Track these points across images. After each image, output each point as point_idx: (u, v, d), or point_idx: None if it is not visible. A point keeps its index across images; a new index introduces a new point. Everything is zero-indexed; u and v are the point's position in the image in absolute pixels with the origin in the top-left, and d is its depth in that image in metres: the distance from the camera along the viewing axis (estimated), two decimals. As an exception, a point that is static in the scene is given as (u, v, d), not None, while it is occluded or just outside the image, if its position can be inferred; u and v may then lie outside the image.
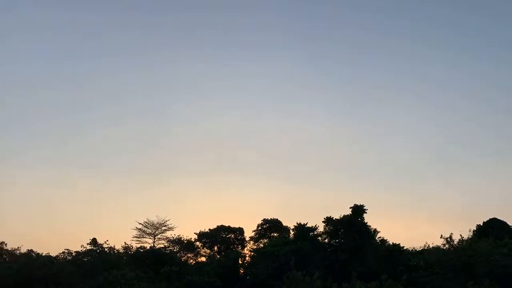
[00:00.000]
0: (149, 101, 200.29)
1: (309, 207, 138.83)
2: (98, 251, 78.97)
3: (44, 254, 77.51)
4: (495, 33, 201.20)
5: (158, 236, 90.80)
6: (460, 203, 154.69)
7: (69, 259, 77.14)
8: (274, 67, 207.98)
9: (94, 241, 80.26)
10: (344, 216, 75.94)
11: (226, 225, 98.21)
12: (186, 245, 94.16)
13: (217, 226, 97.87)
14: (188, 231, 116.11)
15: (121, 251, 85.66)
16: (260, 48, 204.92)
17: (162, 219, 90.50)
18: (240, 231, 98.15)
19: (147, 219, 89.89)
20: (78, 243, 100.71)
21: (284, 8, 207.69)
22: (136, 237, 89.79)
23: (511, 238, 71.12)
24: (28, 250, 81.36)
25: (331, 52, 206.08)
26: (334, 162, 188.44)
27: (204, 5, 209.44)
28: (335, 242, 77.80)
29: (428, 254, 72.22)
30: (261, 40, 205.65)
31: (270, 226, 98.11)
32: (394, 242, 77.01)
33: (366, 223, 75.67)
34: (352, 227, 74.38)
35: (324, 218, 78.18)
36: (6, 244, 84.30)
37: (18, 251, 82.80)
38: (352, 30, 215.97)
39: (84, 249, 78.35)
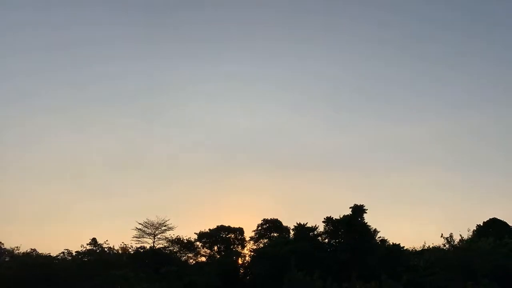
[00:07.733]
0: (150, 101, 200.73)
1: (309, 207, 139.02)
2: (98, 251, 78.88)
3: (44, 254, 77.54)
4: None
5: (158, 236, 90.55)
6: (460, 203, 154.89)
7: (69, 259, 77.02)
8: (274, 69, 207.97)
9: (94, 241, 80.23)
10: (344, 216, 75.95)
11: (226, 225, 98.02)
12: (186, 245, 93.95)
13: (217, 226, 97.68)
14: (188, 231, 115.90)
15: (121, 251, 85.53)
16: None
17: (162, 219, 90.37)
18: (240, 231, 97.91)
19: (147, 219, 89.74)
20: (78, 243, 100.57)
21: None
22: (136, 237, 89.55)
23: (511, 238, 71.12)
24: (29, 250, 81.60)
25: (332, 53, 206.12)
26: (334, 161, 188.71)
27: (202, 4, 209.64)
28: (335, 242, 77.79)
29: (428, 254, 72.25)
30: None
31: (270, 226, 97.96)
32: (394, 242, 77.04)
33: (366, 223, 75.68)
34: (352, 227, 74.36)
35: (324, 218, 78.25)
36: (3, 244, 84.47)
37: (17, 251, 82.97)
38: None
39: (84, 249, 78.30)
